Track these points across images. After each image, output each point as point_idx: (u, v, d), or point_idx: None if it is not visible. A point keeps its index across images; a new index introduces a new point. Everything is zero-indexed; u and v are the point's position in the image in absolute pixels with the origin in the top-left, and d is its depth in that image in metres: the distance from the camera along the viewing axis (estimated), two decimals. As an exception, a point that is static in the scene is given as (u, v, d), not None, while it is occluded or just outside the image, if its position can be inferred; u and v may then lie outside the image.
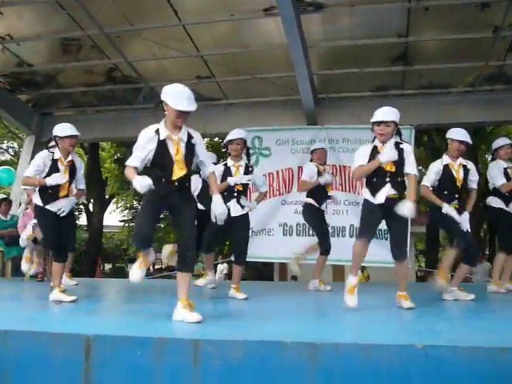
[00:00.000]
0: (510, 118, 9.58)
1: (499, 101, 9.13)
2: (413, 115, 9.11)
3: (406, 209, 4.33)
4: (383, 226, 4.76)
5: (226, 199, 5.09)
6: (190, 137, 3.93)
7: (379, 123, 4.52)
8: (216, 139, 18.18)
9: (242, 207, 5.55)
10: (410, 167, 4.52)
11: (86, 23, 7.97)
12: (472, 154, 12.92)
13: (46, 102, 10.86)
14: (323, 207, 6.46)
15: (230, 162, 5.64)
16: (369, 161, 4.54)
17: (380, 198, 4.50)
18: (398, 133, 4.61)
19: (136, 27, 8.10)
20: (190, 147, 3.93)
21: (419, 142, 12.82)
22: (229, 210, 5.02)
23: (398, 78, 9.23)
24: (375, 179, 4.55)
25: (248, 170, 5.63)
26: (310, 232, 7.57)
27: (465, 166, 5.26)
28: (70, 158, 5.19)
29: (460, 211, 5.15)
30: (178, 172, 3.86)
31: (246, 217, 5.58)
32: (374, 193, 4.55)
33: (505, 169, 6.03)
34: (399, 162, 4.49)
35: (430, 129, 13.73)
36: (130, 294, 6.80)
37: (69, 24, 8.03)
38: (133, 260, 28.41)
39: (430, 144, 15.95)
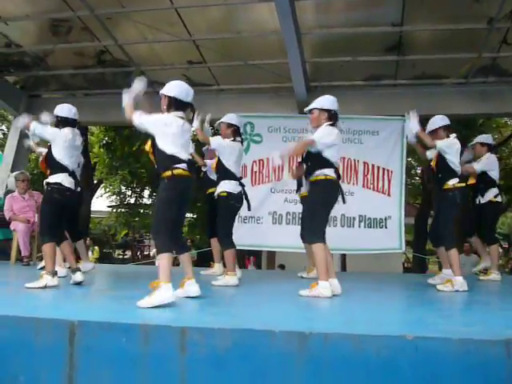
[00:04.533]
0: (502, 110, 9.57)
1: (492, 93, 9.11)
2: (405, 106, 9.03)
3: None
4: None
5: None
6: None
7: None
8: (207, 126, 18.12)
9: None
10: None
11: (76, 4, 7.80)
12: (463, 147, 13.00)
13: (34, 84, 10.70)
14: None
15: None
16: None
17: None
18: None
19: (127, 9, 7.93)
20: None
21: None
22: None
23: (392, 67, 9.15)
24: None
25: None
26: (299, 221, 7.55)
27: None
28: None
29: None
30: None
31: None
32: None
33: None
34: None
35: (421, 120, 13.70)
36: (116, 280, 6.76)
37: (58, 4, 7.85)
38: (120, 246, 28.17)
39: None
